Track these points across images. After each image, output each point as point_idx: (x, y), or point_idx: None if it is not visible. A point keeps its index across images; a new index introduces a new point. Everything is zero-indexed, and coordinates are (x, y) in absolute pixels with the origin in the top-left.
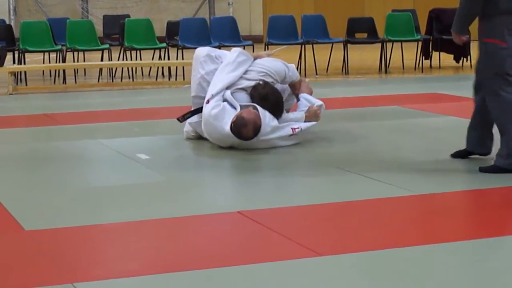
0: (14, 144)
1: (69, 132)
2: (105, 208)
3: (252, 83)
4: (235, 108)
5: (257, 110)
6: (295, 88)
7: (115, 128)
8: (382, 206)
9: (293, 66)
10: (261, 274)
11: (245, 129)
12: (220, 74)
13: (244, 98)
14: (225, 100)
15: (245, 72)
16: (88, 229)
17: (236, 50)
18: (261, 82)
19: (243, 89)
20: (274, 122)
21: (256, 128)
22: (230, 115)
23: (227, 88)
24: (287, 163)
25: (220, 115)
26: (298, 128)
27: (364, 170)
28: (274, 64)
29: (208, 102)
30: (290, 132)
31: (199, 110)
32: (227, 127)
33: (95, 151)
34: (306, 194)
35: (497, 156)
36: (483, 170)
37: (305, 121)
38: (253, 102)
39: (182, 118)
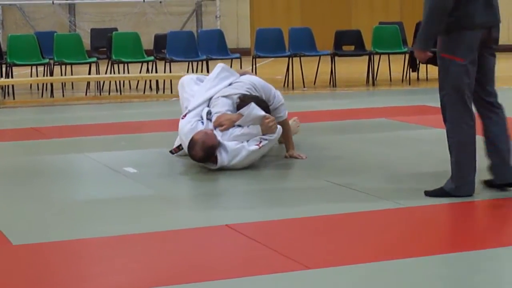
0: (1, 158)
1: (56, 146)
2: (93, 222)
3: (238, 91)
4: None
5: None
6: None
7: (102, 141)
8: (370, 219)
9: (281, 98)
10: (250, 287)
11: (193, 151)
12: (201, 89)
13: (227, 104)
14: (201, 118)
15: (231, 84)
16: (76, 243)
17: (219, 66)
18: (248, 93)
19: (227, 96)
20: (232, 144)
21: (205, 147)
22: None
23: (209, 101)
24: (275, 177)
25: (189, 133)
26: (262, 142)
27: (352, 183)
28: (262, 83)
29: (184, 117)
30: (257, 148)
31: None
32: None
33: (82, 165)
34: (294, 207)
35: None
36: (429, 194)
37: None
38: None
39: (176, 150)
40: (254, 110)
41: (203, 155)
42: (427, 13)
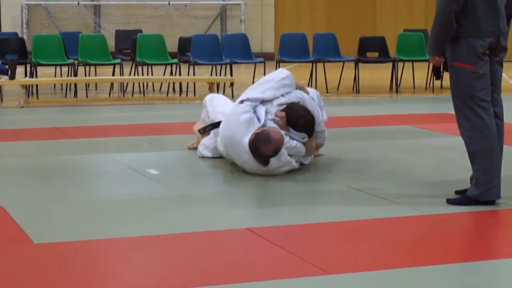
0: (25, 157)
1: (79, 146)
2: (114, 223)
3: (289, 101)
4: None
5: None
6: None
7: (125, 142)
8: (391, 225)
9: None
10: None
11: (266, 146)
12: (262, 85)
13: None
14: (254, 112)
15: (285, 93)
16: (97, 243)
17: (285, 72)
18: (298, 101)
19: (279, 105)
20: (286, 153)
21: (277, 149)
22: (253, 129)
23: (263, 103)
24: (296, 181)
25: (246, 123)
26: (297, 163)
27: (374, 189)
28: (312, 103)
29: (242, 102)
30: (294, 165)
31: (219, 124)
32: (246, 139)
33: (105, 165)
34: (315, 212)
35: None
36: (451, 202)
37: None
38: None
39: (203, 131)
40: (301, 135)
41: (272, 154)
42: (434, 18)
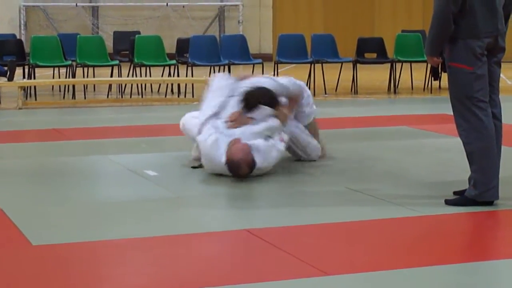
0: (23, 159)
1: (77, 148)
2: (113, 224)
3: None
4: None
5: (243, 141)
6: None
7: (123, 144)
8: (388, 226)
9: (293, 83)
10: None
11: (240, 170)
12: (210, 100)
13: (236, 105)
14: (217, 129)
15: (234, 91)
16: (96, 244)
17: (222, 76)
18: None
19: (237, 102)
20: (261, 142)
21: (251, 163)
22: (224, 147)
23: (218, 114)
24: (296, 182)
25: (215, 145)
26: (284, 136)
27: (372, 190)
28: (262, 81)
29: (200, 131)
30: (284, 145)
31: None
32: (223, 159)
33: (103, 166)
34: (314, 213)
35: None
36: (450, 202)
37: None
38: (244, 109)
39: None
40: (264, 109)
41: (250, 170)
42: (432, 19)
